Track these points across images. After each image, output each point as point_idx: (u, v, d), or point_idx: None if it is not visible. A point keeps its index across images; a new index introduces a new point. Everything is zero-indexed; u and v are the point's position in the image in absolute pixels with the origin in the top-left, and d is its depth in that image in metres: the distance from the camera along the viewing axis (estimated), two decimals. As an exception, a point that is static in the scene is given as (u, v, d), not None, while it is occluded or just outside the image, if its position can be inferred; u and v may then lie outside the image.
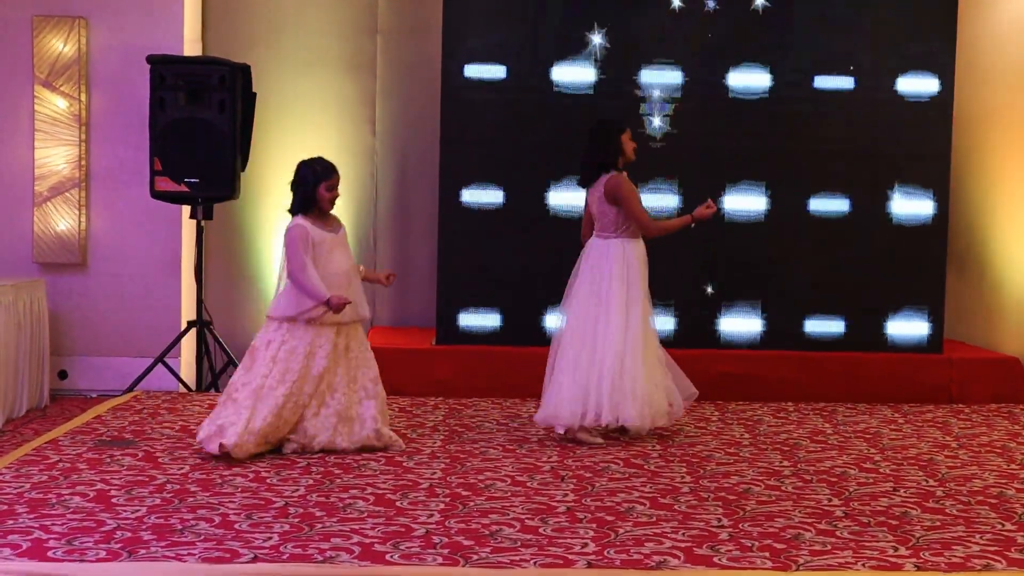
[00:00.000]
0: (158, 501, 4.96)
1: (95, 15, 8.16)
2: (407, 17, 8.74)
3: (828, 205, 8.15)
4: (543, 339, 7.36)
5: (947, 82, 8.16)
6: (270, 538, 4.46)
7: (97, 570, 4.09)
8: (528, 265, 8.01)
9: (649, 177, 7.97)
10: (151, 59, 7.72)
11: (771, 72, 8.08)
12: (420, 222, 8.73)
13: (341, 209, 8.63)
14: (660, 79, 8.05)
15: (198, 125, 7.69)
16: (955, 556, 4.40)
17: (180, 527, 4.58)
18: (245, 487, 5.23)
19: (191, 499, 5.01)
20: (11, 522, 4.59)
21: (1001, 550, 4.48)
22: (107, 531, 4.50)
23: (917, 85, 8.15)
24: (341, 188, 8.55)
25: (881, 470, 5.85)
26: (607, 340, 6.29)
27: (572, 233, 8.11)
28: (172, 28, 8.20)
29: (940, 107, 8.16)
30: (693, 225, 6.46)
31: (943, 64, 8.14)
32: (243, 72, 7.89)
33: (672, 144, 8.07)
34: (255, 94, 8.01)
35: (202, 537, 4.45)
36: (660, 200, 8.00)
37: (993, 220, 8.88)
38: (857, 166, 8.15)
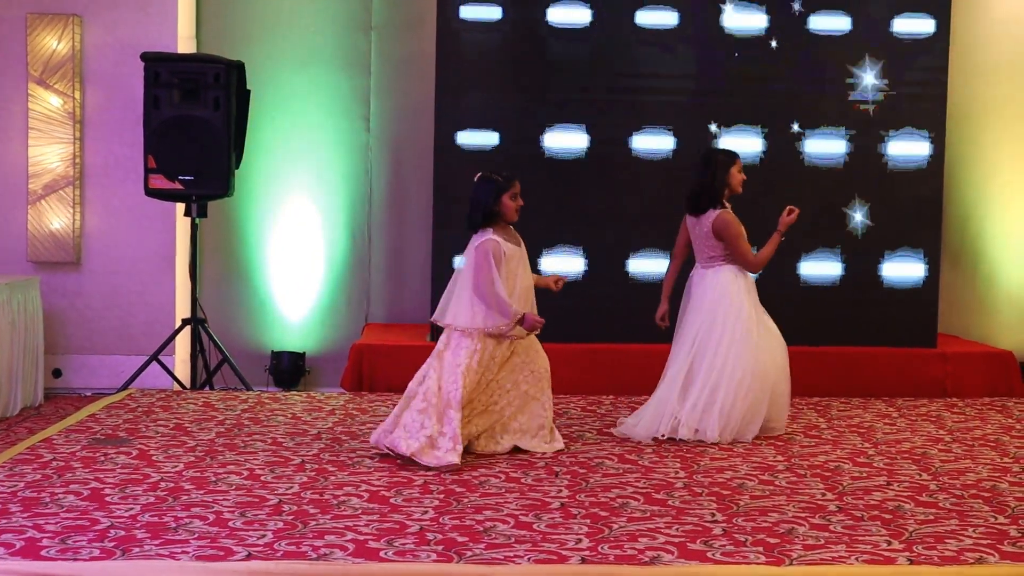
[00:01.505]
0: (152, 499, 4.96)
1: (89, 12, 8.15)
2: (401, 13, 8.74)
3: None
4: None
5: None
6: (264, 536, 4.46)
7: (91, 569, 4.09)
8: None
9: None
10: (145, 56, 7.71)
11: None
12: (415, 218, 8.73)
13: (336, 205, 8.74)
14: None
15: (192, 122, 7.69)
16: (948, 549, 4.41)
17: (174, 525, 4.58)
18: (239, 485, 5.24)
19: (185, 497, 5.01)
20: (5, 521, 4.60)
21: (994, 543, 4.50)
22: (101, 530, 4.50)
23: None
24: (338, 185, 8.72)
25: (875, 464, 5.86)
26: (716, 362, 6.35)
27: (566, 230, 8.12)
28: (166, 25, 8.20)
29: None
30: (783, 239, 6.49)
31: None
32: (238, 69, 7.89)
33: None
34: (249, 91, 8.00)
35: (196, 535, 4.45)
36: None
37: (987, 214, 8.90)
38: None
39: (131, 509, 4.80)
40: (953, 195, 8.70)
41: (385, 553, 4.29)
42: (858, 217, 8.09)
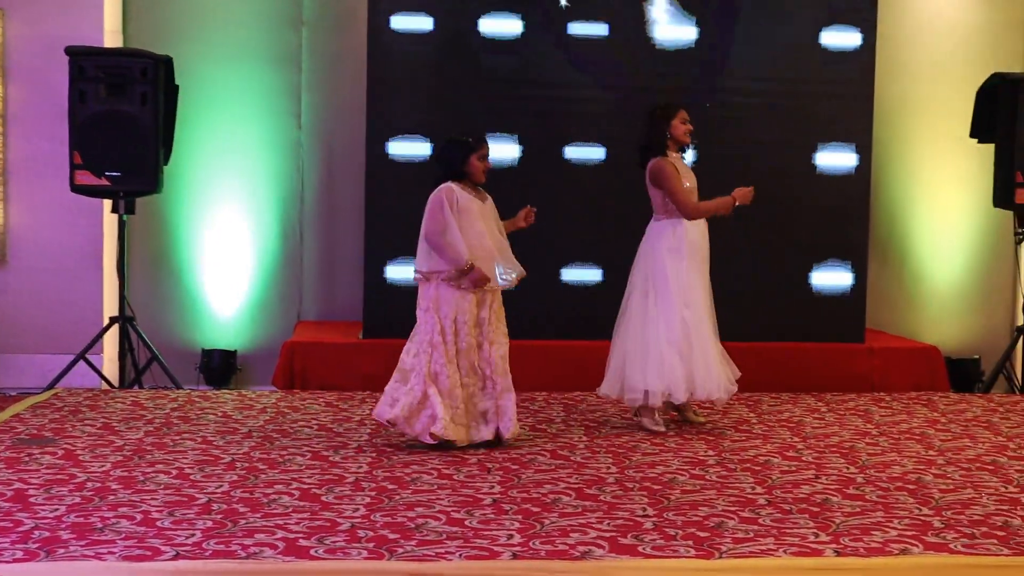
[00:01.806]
0: (78, 499, 4.88)
1: (12, 5, 8.01)
2: (332, 9, 8.69)
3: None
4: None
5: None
6: (193, 535, 4.41)
7: (14, 571, 4.01)
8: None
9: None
10: (70, 50, 7.58)
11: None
12: (346, 215, 8.68)
13: (267, 202, 8.66)
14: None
15: (119, 118, 7.58)
16: (874, 541, 4.48)
17: (100, 526, 4.51)
18: (168, 484, 5.17)
19: (112, 497, 4.94)
20: (-75, 523, 4.50)
21: (918, 534, 4.57)
22: (24, 531, 4.42)
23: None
24: (269, 182, 8.64)
25: (804, 458, 5.93)
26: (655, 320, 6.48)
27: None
28: (92, 19, 8.08)
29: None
30: (736, 203, 6.56)
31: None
32: (165, 64, 7.78)
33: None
34: (178, 87, 7.90)
35: (123, 535, 4.39)
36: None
37: (914, 211, 9.06)
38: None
39: (56, 510, 4.72)
40: (880, 193, 8.84)
41: (316, 551, 4.26)
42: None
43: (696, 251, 6.55)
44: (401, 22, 7.99)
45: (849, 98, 8.24)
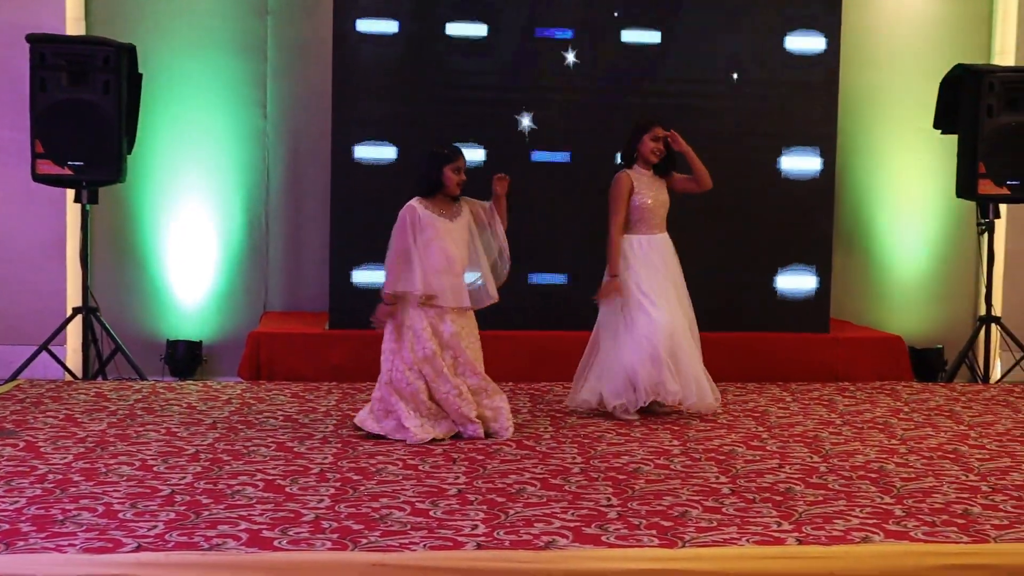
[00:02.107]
0: (39, 492, 4.84)
1: (-29, -8, 7.92)
2: (297, -2, 8.65)
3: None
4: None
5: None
6: (155, 527, 4.38)
7: (-27, 563, 3.98)
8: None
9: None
10: (31, 38, 7.50)
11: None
12: (312, 205, 8.65)
13: (232, 192, 8.61)
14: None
15: (81, 106, 7.51)
16: (836, 530, 4.50)
17: (61, 518, 4.47)
18: (131, 476, 5.14)
19: (73, 489, 4.90)
20: None
21: (880, 522, 4.60)
22: (-16, 523, 4.38)
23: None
24: (234, 172, 8.58)
25: (768, 447, 5.96)
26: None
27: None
28: (54, 6, 8.02)
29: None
30: (603, 289, 6.62)
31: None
32: (128, 52, 7.72)
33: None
34: (141, 75, 7.84)
35: (84, 527, 4.36)
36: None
37: (879, 201, 9.12)
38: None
39: (16, 502, 4.67)
40: (845, 183, 8.89)
41: (279, 542, 4.24)
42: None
43: (652, 265, 6.59)
44: (367, 25, 7.96)
45: (814, 102, 8.28)
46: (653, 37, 8.16)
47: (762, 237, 8.27)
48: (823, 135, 8.29)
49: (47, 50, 7.48)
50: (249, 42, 8.60)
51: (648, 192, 6.62)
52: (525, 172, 7.87)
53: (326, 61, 8.12)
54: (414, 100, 8.02)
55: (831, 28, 8.27)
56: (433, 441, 5.92)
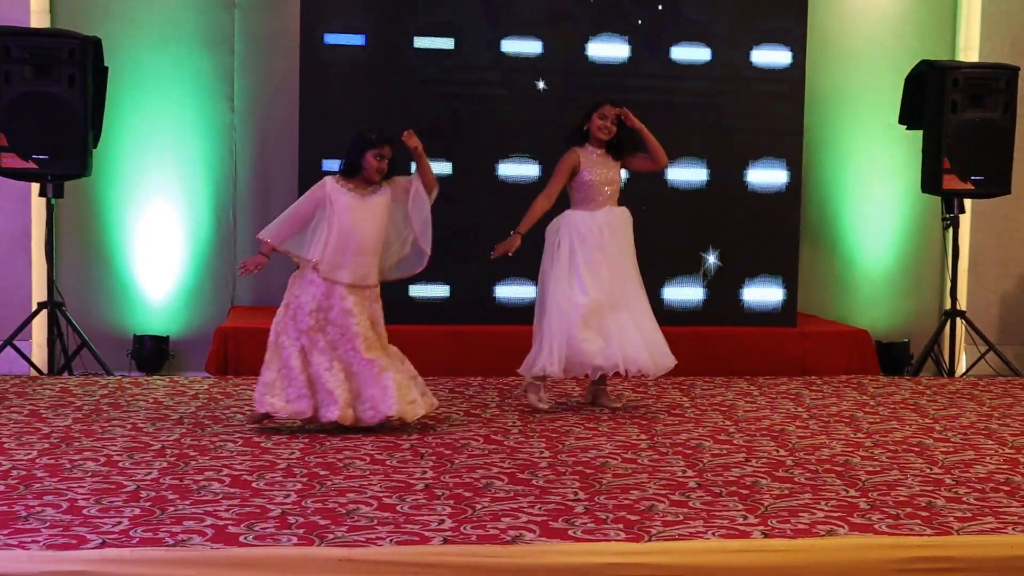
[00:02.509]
0: (2, 488, 4.80)
1: (-66, -16, 7.84)
2: (264, -10, 8.61)
3: (687, 175, 8.30)
4: (403, 316, 7.33)
5: (799, 57, 8.34)
6: (120, 523, 4.36)
7: (-65, 561, 3.94)
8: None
9: (512, 149, 8.11)
10: (-6, 31, 7.44)
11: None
12: (281, 199, 8.55)
13: (200, 186, 8.56)
14: (520, 48, 8.09)
15: (46, 99, 7.45)
16: (801, 523, 4.53)
17: (24, 514, 4.44)
18: (96, 472, 5.11)
19: (37, 485, 4.86)
20: None
21: (844, 516, 4.63)
22: (-53, 520, 4.34)
23: (770, 58, 8.34)
24: (202, 165, 8.53)
25: (735, 441, 5.99)
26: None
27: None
28: (18, -1, 7.93)
29: (792, 81, 8.35)
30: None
31: (796, 39, 8.33)
32: (94, 45, 7.66)
33: (533, 116, 8.12)
34: (107, 68, 7.78)
35: (48, 524, 4.33)
36: (521, 169, 8.14)
37: (844, 195, 9.18)
38: (714, 138, 8.30)
39: (-21, 499, 4.64)
40: (811, 178, 8.94)
41: (245, 538, 4.22)
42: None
43: (588, 240, 6.64)
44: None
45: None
46: (621, 51, 8.19)
47: (729, 249, 8.32)
48: (789, 148, 8.36)
49: (11, 43, 7.41)
50: (216, 36, 8.55)
51: (595, 169, 6.69)
52: (490, 186, 8.00)
53: (293, 55, 8.10)
54: (381, 115, 7.97)
55: (797, 41, 8.32)
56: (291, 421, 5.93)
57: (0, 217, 7.97)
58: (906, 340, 8.99)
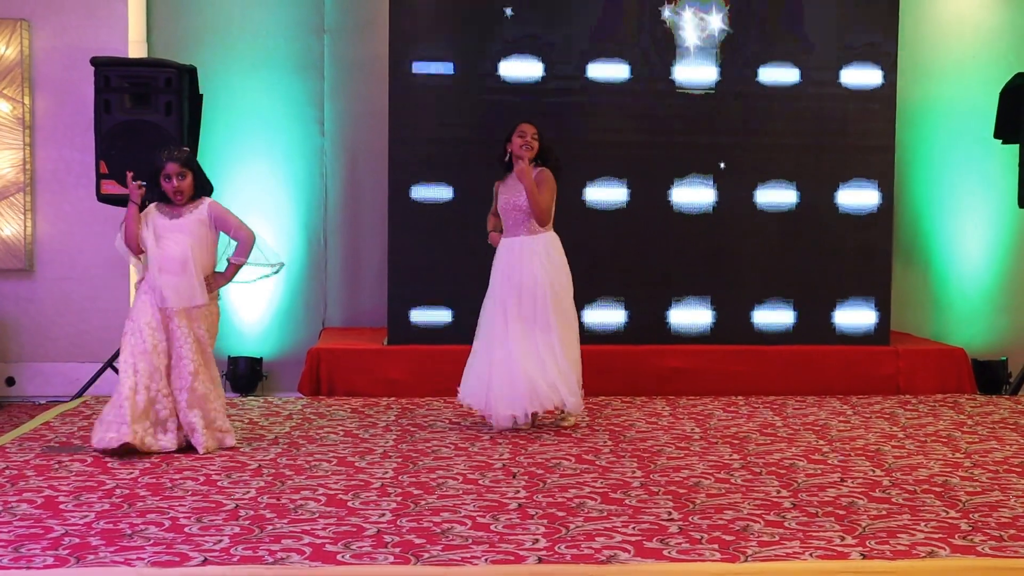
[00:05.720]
0: (107, 506, 4.92)
1: (37, 17, 8.08)
2: (353, 15, 8.74)
3: (776, 197, 8.23)
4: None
5: (890, 74, 8.25)
6: (220, 541, 4.44)
7: (44, 577, 4.06)
8: (479, 261, 7.98)
9: (599, 173, 8.08)
10: (95, 61, 7.64)
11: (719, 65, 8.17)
12: (370, 221, 8.72)
13: (291, 209, 8.70)
14: (606, 73, 8.10)
15: (144, 127, 7.61)
16: (900, 544, 4.46)
17: (129, 532, 4.55)
18: (195, 491, 5.21)
19: (140, 504, 4.97)
20: (-43, 530, 4.54)
21: (945, 537, 4.55)
22: (55, 537, 4.46)
23: (861, 77, 8.24)
24: (293, 189, 8.66)
25: (829, 461, 5.91)
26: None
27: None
28: (116, 29, 8.14)
29: (884, 99, 8.25)
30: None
31: (886, 56, 8.24)
32: (189, 73, 7.83)
33: (620, 138, 8.12)
34: (202, 96, 7.95)
35: (151, 541, 4.42)
36: (607, 193, 8.12)
37: (938, 212, 9.02)
38: (804, 158, 8.24)
39: (86, 516, 4.76)
40: (904, 195, 8.81)
41: (342, 556, 4.28)
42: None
43: (497, 270, 6.72)
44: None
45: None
46: (710, 74, 8.16)
47: (821, 271, 8.23)
48: (881, 169, 8.25)
49: (111, 73, 7.61)
50: (307, 61, 8.70)
51: (503, 195, 6.74)
52: (579, 212, 7.97)
53: (382, 78, 8.20)
54: (469, 139, 8.04)
55: (888, 58, 8.22)
56: (125, 447, 5.81)
57: (100, 242, 8.16)
58: (1004, 358, 8.79)
